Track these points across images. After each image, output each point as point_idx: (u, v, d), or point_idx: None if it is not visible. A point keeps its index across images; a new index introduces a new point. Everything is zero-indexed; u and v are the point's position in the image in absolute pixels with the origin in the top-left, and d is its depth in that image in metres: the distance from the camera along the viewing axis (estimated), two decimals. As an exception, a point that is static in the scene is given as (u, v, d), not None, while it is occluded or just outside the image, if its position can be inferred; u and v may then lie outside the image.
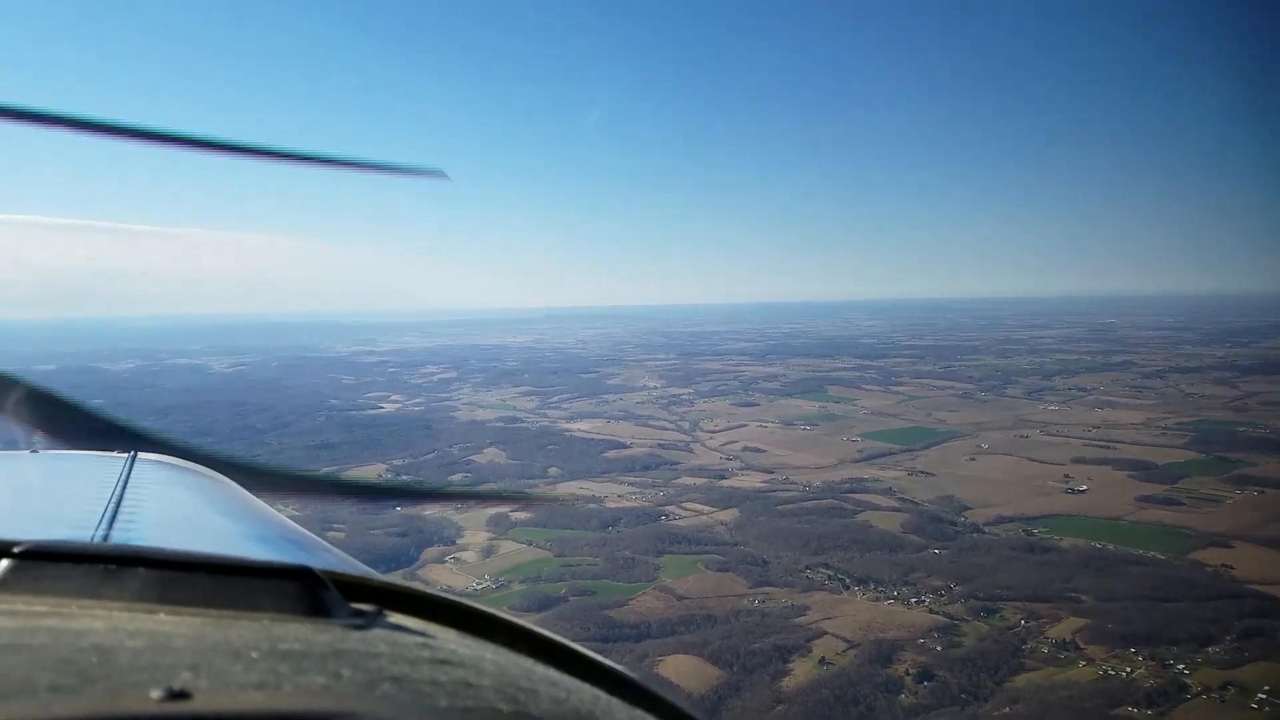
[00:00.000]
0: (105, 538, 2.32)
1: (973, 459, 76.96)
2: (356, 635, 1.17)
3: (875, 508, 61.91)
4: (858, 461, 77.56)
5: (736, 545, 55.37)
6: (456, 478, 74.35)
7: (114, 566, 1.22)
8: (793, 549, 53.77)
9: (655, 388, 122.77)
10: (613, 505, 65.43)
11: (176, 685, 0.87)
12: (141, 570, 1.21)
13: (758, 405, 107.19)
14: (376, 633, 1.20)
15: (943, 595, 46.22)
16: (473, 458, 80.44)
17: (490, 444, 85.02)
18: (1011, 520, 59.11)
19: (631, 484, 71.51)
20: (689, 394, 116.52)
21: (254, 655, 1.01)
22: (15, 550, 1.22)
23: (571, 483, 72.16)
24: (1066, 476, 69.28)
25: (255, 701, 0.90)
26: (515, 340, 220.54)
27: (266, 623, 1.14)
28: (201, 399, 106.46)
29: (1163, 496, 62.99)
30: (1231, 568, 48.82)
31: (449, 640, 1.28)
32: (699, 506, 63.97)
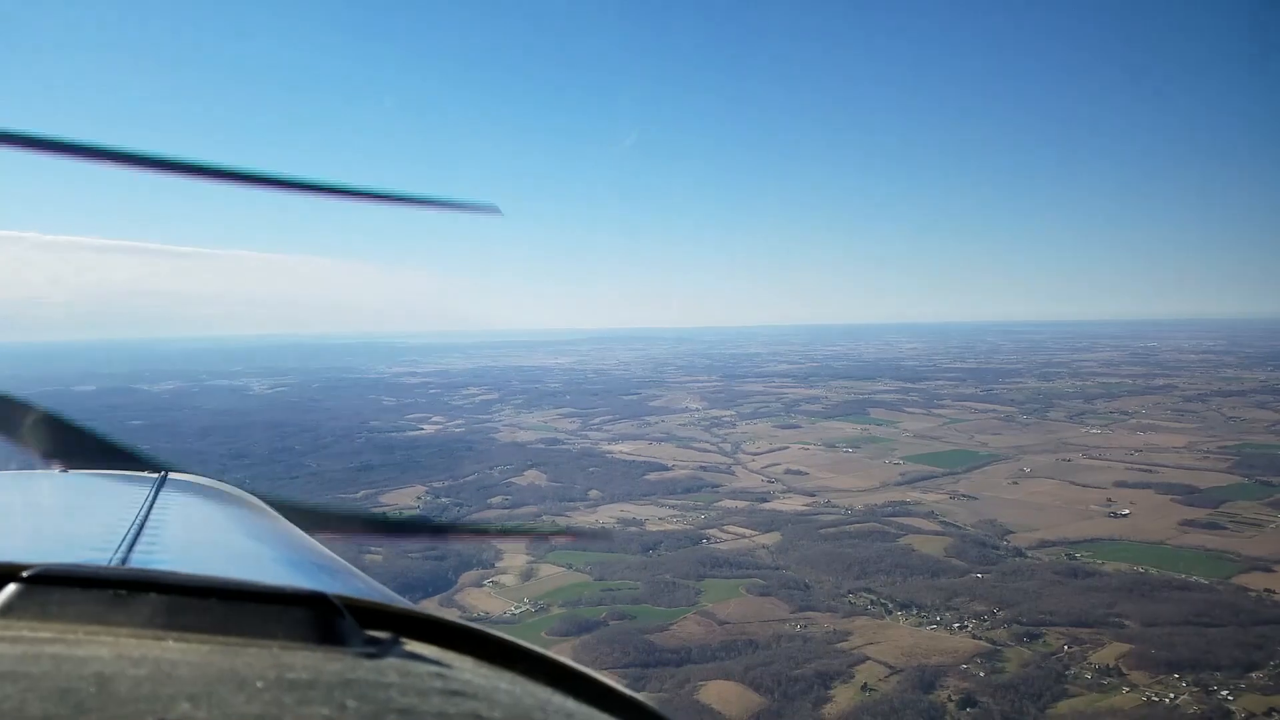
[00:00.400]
0: (124, 560, 2.27)
1: (1015, 482, 76.90)
2: (369, 664, 1.16)
3: (918, 531, 62.23)
4: (900, 485, 77.88)
5: (778, 569, 55.97)
6: (496, 499, 75.19)
7: (124, 592, 1.20)
8: (835, 573, 54.31)
9: (697, 409, 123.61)
10: (653, 528, 66.11)
11: (171, 716, 0.86)
12: (152, 595, 1.20)
13: (800, 427, 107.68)
14: (390, 661, 1.19)
15: (985, 620, 46.51)
16: (513, 480, 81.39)
17: (531, 466, 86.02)
18: (1054, 544, 59.13)
19: (673, 507, 72.30)
20: (731, 416, 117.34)
21: (259, 685, 0.99)
22: (23, 574, 1.21)
23: (612, 505, 73.13)
24: (1109, 500, 69.10)
25: None
26: (557, 362, 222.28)
27: (277, 650, 1.13)
28: (241, 420, 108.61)
29: (1205, 521, 62.72)
30: (1275, 593, 48.64)
31: (465, 670, 1.27)
32: (740, 529, 64.62)
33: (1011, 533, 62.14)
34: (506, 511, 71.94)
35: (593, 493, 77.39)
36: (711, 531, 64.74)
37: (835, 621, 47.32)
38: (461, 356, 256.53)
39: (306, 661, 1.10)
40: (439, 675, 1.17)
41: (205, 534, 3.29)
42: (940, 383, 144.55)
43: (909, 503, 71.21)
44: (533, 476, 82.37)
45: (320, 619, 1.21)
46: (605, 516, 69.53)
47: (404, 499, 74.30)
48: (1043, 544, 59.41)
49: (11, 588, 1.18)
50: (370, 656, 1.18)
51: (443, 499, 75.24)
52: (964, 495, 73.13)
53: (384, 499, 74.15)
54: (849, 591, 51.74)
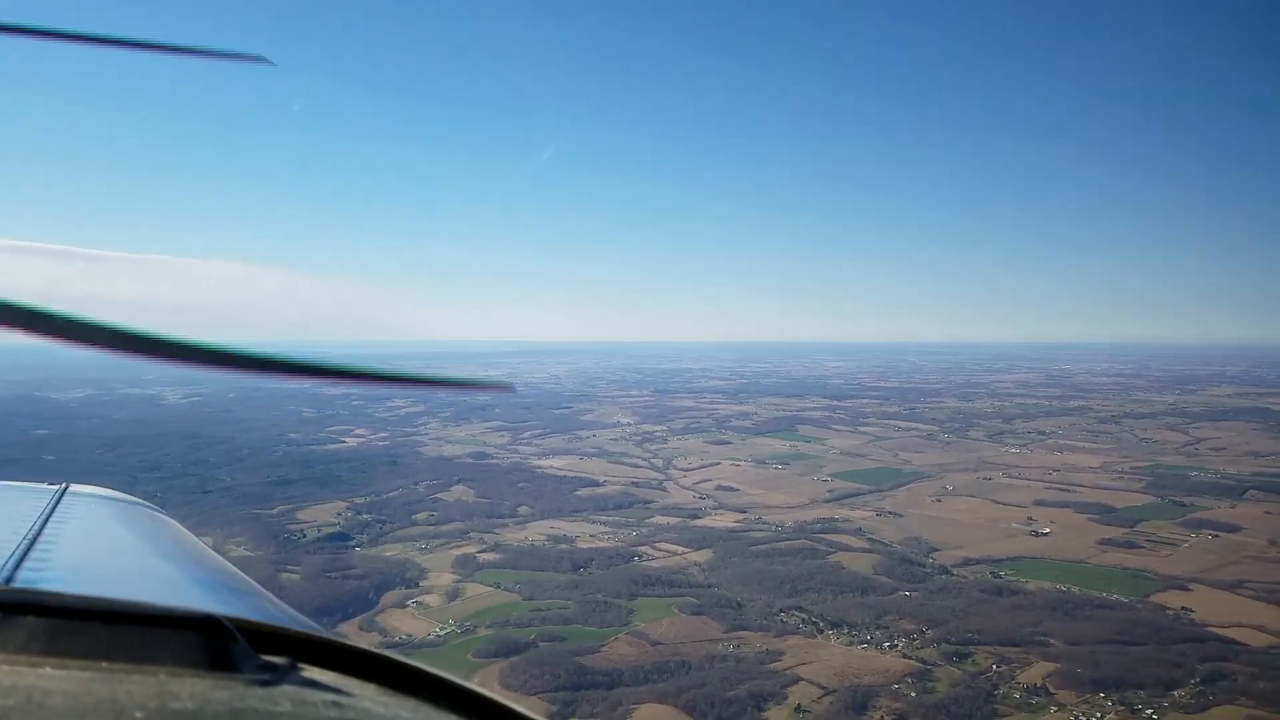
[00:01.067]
0: (9, 579, 2.18)
1: (939, 500, 78.17)
2: (260, 692, 1.09)
3: (847, 549, 62.59)
4: (829, 501, 78.51)
5: (710, 587, 55.53)
6: (421, 516, 73.23)
7: None
8: (767, 591, 54.12)
9: (629, 424, 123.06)
10: (585, 546, 65.13)
11: None
12: (27, 618, 1.12)
13: (731, 443, 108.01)
14: (284, 689, 1.12)
15: (915, 639, 46.78)
16: (439, 495, 79.40)
17: (459, 481, 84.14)
18: (979, 562, 60.09)
19: (604, 523, 71.42)
20: (663, 431, 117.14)
21: (138, 715, 0.93)
22: None
23: (543, 521, 71.90)
24: (1030, 519, 70.64)
25: None
26: (487, 374, 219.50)
27: (162, 678, 1.06)
28: (154, 430, 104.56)
29: (1123, 540, 64.51)
30: (1191, 610, 50.12)
31: (365, 698, 1.21)
32: (672, 547, 64.09)
33: (937, 550, 62.95)
34: (432, 527, 70.10)
35: (522, 509, 76.03)
36: (643, 549, 64.03)
37: (768, 641, 47.02)
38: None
39: (193, 690, 1.05)
40: (335, 704, 1.13)
41: (102, 551, 3.11)
42: (865, 401, 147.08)
43: (837, 520, 71.71)
44: (460, 492, 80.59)
45: (210, 643, 1.16)
46: (535, 533, 68.26)
47: (324, 515, 71.70)
48: (967, 562, 60.31)
49: None
50: (263, 684, 1.13)
51: (364, 515, 72.77)
52: (890, 513, 74.02)
53: (302, 515, 71.40)
54: (781, 610, 51.56)
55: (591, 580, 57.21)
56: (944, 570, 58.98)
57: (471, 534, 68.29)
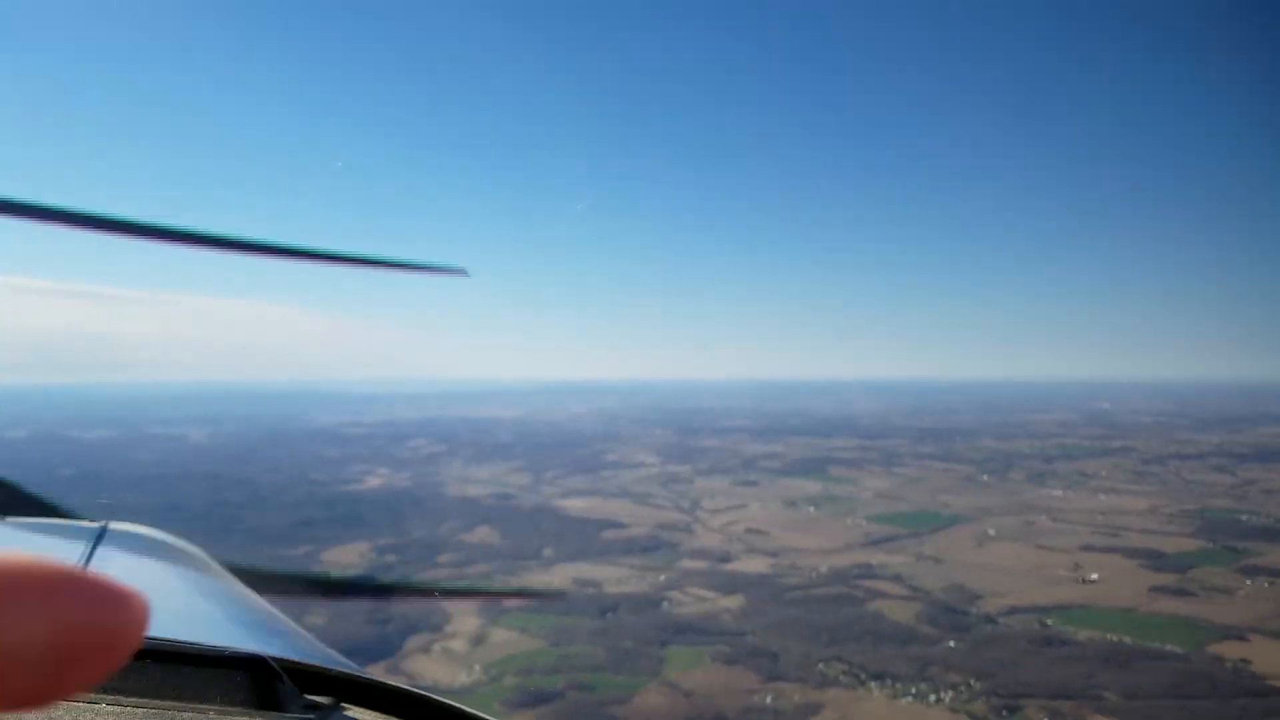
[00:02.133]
0: None
1: (981, 545, 75.60)
2: None
3: (886, 596, 60.34)
4: (864, 546, 76.10)
5: (744, 635, 53.51)
6: (445, 558, 72.17)
7: None
8: (803, 640, 52.01)
9: (653, 464, 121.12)
10: (611, 590, 63.47)
11: None
12: None
13: (759, 484, 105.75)
14: None
15: (962, 692, 44.40)
16: (463, 537, 78.17)
17: (481, 522, 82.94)
18: (1025, 610, 57.63)
19: (631, 567, 69.64)
20: (688, 471, 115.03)
21: None
22: None
23: (568, 564, 70.29)
24: (1077, 565, 68.00)
25: None
26: (507, 413, 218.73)
27: (213, 716, 1.07)
28: (177, 470, 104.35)
29: (1175, 587, 61.76)
30: (1250, 663, 47.26)
31: None
32: (702, 592, 62.18)
33: (981, 598, 60.50)
34: (456, 570, 68.69)
35: (546, 551, 74.36)
36: (672, 594, 62.10)
37: (806, 693, 44.91)
38: (408, 406, 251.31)
39: None
40: None
41: (147, 590, 2.07)
42: (898, 440, 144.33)
43: (875, 565, 69.33)
44: (483, 534, 79.11)
45: (257, 683, 1.18)
46: (560, 576, 66.55)
47: (347, 556, 70.50)
48: (1013, 610, 57.83)
49: None
50: None
51: (388, 556, 71.47)
52: (930, 558, 71.55)
53: (325, 556, 70.28)
54: (819, 660, 49.32)
55: (620, 626, 55.39)
56: (989, 619, 56.52)
57: (496, 576, 66.88)
